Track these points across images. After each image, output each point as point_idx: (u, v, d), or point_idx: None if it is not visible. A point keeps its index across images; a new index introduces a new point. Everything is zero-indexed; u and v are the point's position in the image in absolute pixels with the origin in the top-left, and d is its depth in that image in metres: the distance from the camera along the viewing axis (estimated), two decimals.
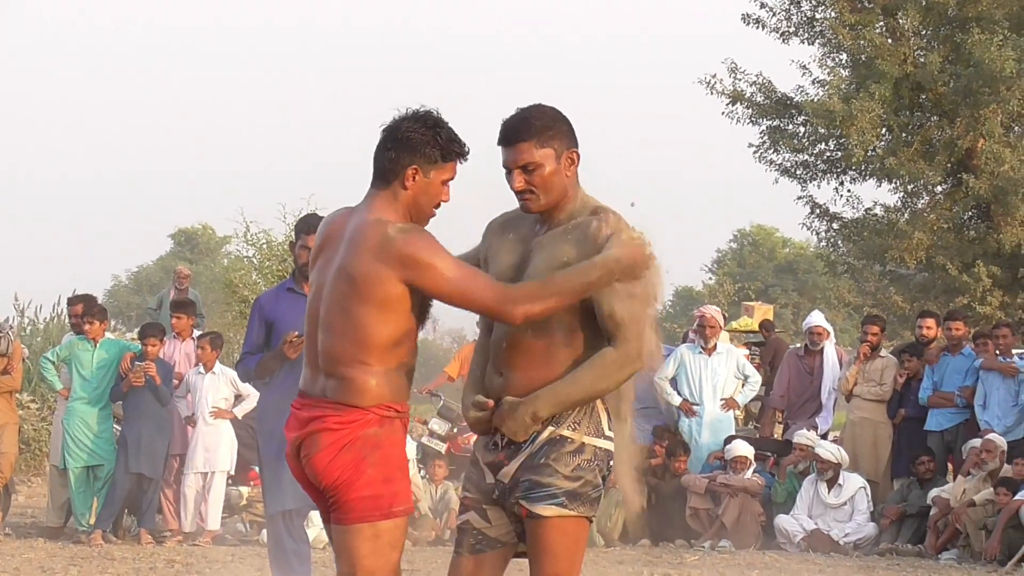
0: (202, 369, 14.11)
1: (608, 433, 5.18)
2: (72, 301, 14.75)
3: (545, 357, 5.12)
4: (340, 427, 5.09)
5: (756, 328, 21.03)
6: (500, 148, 5.18)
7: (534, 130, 5.11)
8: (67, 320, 15.56)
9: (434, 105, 5.24)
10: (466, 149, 5.19)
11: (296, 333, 8.54)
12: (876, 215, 25.88)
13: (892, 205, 25.85)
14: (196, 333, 15.02)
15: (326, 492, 5.12)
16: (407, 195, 5.13)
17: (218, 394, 14.00)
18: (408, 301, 5.07)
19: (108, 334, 14.50)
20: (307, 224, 8.91)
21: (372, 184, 5.18)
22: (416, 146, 5.10)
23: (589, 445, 5.13)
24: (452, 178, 5.21)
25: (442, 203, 5.23)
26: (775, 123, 25.77)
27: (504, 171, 5.22)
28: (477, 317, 16.57)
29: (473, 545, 5.24)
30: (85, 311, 14.04)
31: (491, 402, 5.16)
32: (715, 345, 15.15)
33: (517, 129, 5.12)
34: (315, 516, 11.44)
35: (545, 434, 5.11)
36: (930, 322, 15.09)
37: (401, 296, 5.05)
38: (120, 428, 14.09)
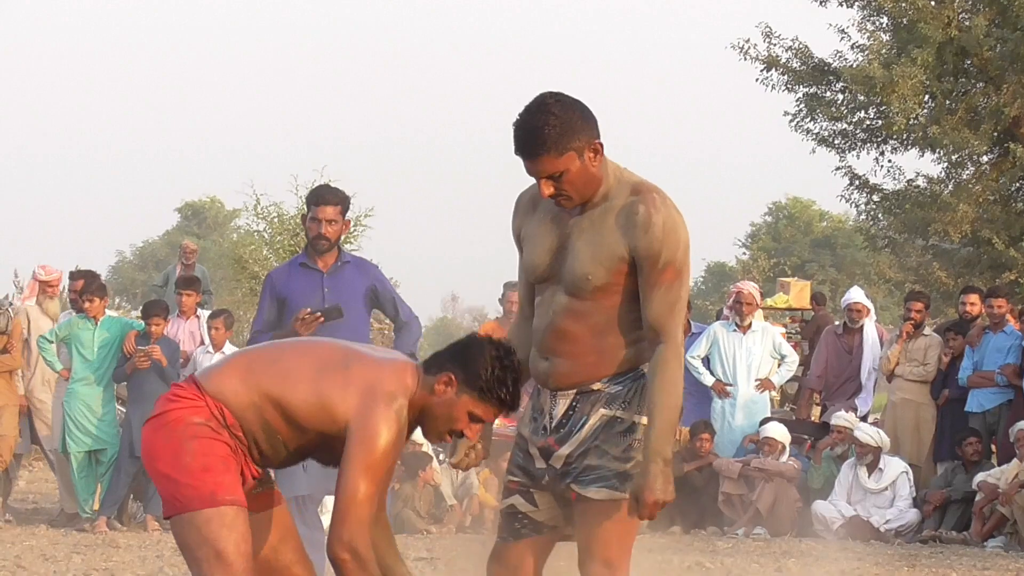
0: (210, 348, 13.78)
1: None
2: (73, 276, 14.37)
3: (590, 343, 5.05)
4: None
5: (793, 305, 20.81)
6: (519, 157, 5.01)
7: (550, 141, 4.91)
8: (67, 297, 15.16)
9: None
10: (512, 409, 5.06)
11: (308, 310, 8.43)
12: (918, 186, 25.72)
13: (935, 176, 25.75)
14: (202, 311, 14.69)
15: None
16: (431, 399, 5.02)
17: None
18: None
19: (111, 312, 14.19)
20: (318, 195, 8.79)
21: (426, 362, 5.08)
22: (470, 363, 5.01)
23: (639, 424, 5.05)
24: (480, 419, 5.06)
25: (457, 436, 5.12)
26: (812, 90, 25.58)
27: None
28: (499, 295, 15.83)
29: (518, 530, 5.20)
30: (84, 288, 13.68)
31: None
32: (750, 323, 14.93)
33: (532, 143, 4.93)
34: (328, 502, 11.11)
35: (595, 416, 5.06)
36: (974, 298, 14.92)
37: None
38: (124, 410, 13.76)
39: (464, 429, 5.07)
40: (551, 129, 4.90)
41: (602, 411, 5.06)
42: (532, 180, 5.09)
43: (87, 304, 13.52)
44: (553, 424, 5.11)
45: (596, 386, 5.07)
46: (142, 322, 13.75)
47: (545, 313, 5.11)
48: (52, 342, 13.68)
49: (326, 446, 5.02)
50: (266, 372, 5.00)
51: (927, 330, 14.90)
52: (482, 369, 4.98)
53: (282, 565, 5.21)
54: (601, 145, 4.99)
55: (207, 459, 4.93)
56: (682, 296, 5.00)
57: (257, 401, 4.97)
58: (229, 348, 13.88)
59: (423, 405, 5.02)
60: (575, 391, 5.08)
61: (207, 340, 14.06)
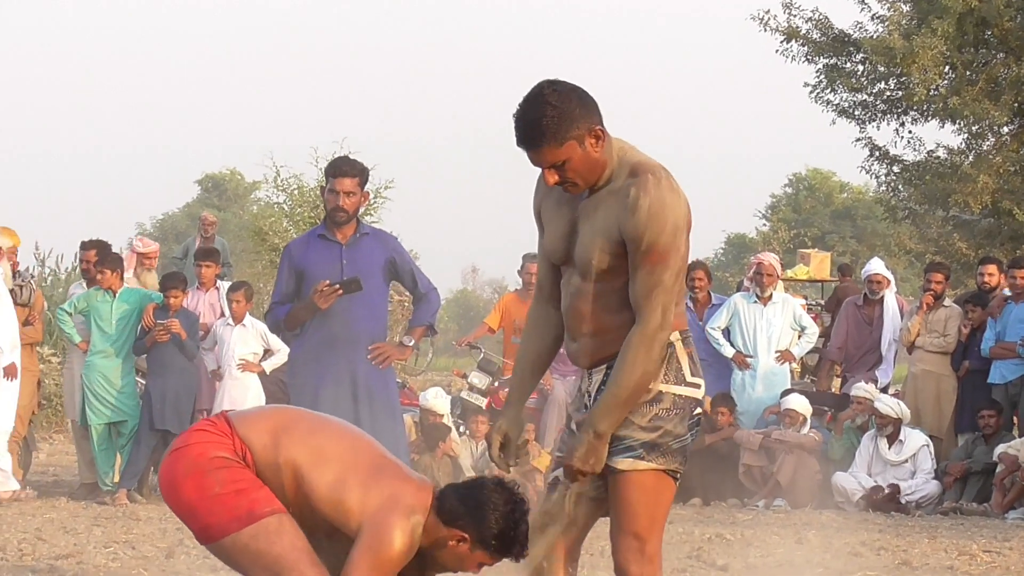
0: (231, 321, 13.73)
1: (691, 380, 5.12)
2: (85, 246, 14.25)
3: (609, 321, 5.07)
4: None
5: (814, 276, 20.77)
6: (521, 149, 5.04)
7: (548, 132, 4.93)
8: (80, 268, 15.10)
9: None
10: (523, 555, 5.09)
11: (327, 282, 8.31)
12: (939, 158, 25.60)
13: (956, 147, 25.61)
14: (221, 283, 14.61)
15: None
16: (441, 551, 5.07)
17: (247, 347, 13.62)
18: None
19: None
20: (336, 167, 8.94)
21: (441, 493, 5.12)
22: (483, 525, 5.07)
23: (668, 393, 5.07)
24: (490, 565, 5.16)
25: None
26: (832, 61, 25.46)
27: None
28: (518, 266, 15.83)
29: (557, 500, 5.18)
30: (98, 259, 13.61)
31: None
32: (771, 295, 14.86)
33: (532, 135, 4.96)
34: None
35: None
36: (992, 268, 14.84)
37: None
38: (144, 382, 13.71)
39: (472, 572, 5.17)
40: (549, 120, 4.91)
41: None
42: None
43: (99, 276, 13.47)
44: (591, 400, 5.13)
45: None
46: (160, 294, 13.69)
47: (566, 296, 5.17)
48: (71, 314, 13.64)
49: (331, 535, 5.02)
50: (300, 442, 5.01)
51: (947, 301, 14.83)
52: (494, 530, 5.05)
53: None
54: (602, 130, 5.01)
55: (237, 484, 4.94)
56: (664, 280, 4.96)
57: (281, 465, 4.98)
58: (248, 320, 13.83)
59: (433, 541, 5.05)
60: (606, 366, 5.10)
61: (227, 312, 14.00)
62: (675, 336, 5.08)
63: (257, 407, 5.22)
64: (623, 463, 5.02)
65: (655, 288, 4.95)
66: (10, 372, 12.91)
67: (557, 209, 5.19)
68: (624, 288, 5.03)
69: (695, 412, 5.13)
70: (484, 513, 5.05)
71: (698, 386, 5.13)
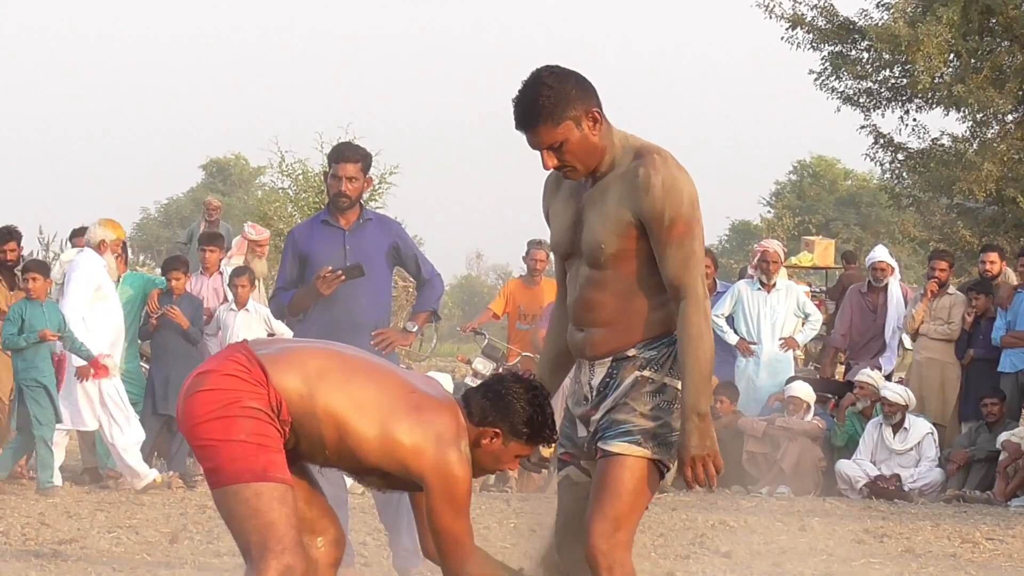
0: (234, 306, 13.71)
1: None
2: (79, 233, 14.23)
3: (617, 309, 5.09)
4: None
5: (818, 264, 20.74)
6: (519, 131, 5.09)
7: (545, 111, 4.98)
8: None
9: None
10: (554, 438, 5.21)
11: (330, 268, 8.33)
12: (943, 145, 25.52)
13: (960, 135, 25.53)
14: (225, 267, 14.59)
15: None
16: (478, 452, 5.16)
17: (250, 332, 13.57)
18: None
19: (136, 268, 14.10)
20: (339, 152, 8.79)
21: (464, 398, 5.21)
22: (512, 415, 5.13)
23: (671, 386, 5.09)
24: (527, 456, 5.27)
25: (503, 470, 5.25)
26: (837, 48, 25.37)
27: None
28: (523, 252, 15.76)
29: (574, 500, 5.23)
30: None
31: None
32: (775, 282, 14.84)
33: (529, 114, 5.01)
34: None
35: (630, 378, 5.09)
36: (993, 256, 14.89)
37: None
38: (147, 367, 13.70)
39: (511, 467, 5.29)
40: (545, 100, 4.96)
41: (636, 373, 5.08)
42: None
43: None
44: (593, 394, 5.14)
45: (631, 352, 5.09)
46: (163, 279, 13.69)
47: (574, 287, 5.17)
48: None
49: (370, 472, 5.13)
50: (338, 391, 5.02)
51: (951, 289, 14.82)
52: (523, 417, 5.12)
53: (311, 517, 5.23)
54: (600, 113, 5.04)
55: (262, 438, 4.94)
56: (695, 250, 5.00)
57: (319, 415, 4.99)
58: (252, 305, 13.80)
59: (471, 446, 5.14)
60: (611, 359, 5.11)
61: (231, 297, 14.00)
62: None
63: (285, 344, 5.18)
64: (618, 446, 5.03)
65: (689, 259, 4.98)
66: (97, 369, 12.56)
67: (564, 204, 5.21)
68: (632, 274, 5.04)
69: None
70: (510, 404, 5.11)
71: None
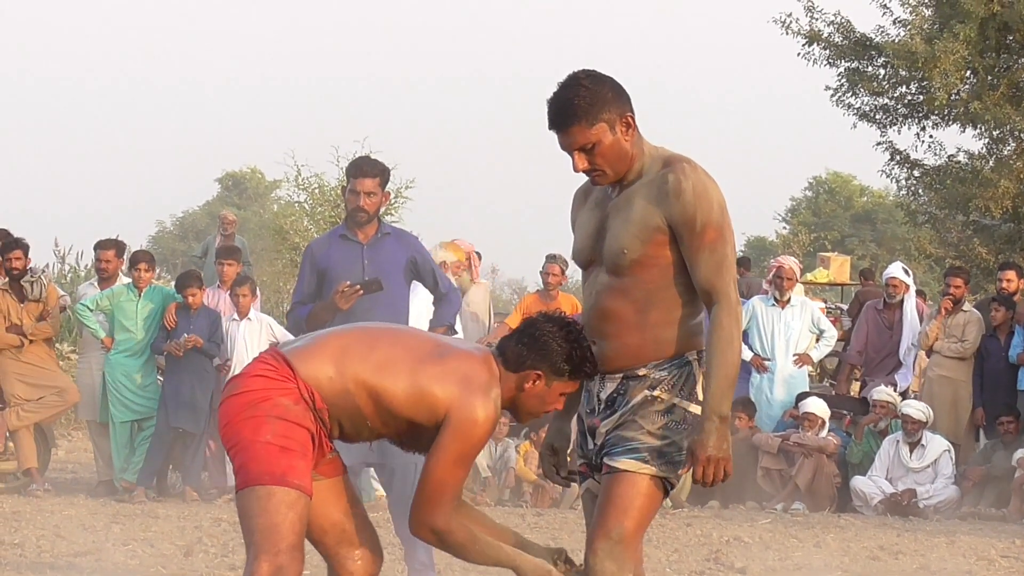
0: (236, 316, 13.72)
1: (701, 398, 5.07)
2: (103, 246, 14.25)
3: (633, 321, 5.06)
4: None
5: (834, 280, 20.71)
6: (553, 132, 5.05)
7: (581, 110, 4.98)
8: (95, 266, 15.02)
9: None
10: (596, 370, 5.14)
11: (348, 283, 8.34)
12: (959, 162, 25.46)
13: (976, 152, 25.45)
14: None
15: None
16: (522, 397, 5.16)
17: (254, 342, 13.58)
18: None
19: (153, 281, 14.13)
20: (357, 167, 8.77)
21: (499, 348, 5.19)
22: (550, 355, 5.11)
23: (680, 407, 5.07)
24: (573, 392, 5.22)
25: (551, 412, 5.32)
26: (854, 65, 25.32)
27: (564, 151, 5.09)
28: (540, 266, 15.71)
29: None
30: (136, 258, 13.69)
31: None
32: (789, 298, 14.84)
33: (564, 113, 5.00)
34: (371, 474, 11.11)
35: (639, 397, 5.06)
36: (1011, 274, 14.83)
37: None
38: (162, 379, 13.74)
39: (559, 407, 5.24)
40: (581, 100, 4.97)
41: (645, 392, 5.06)
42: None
43: (135, 274, 13.56)
44: (601, 406, 5.13)
45: (642, 371, 5.07)
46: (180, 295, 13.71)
47: (590, 295, 5.15)
48: (92, 310, 13.66)
49: (412, 433, 5.13)
50: (363, 360, 5.07)
51: (966, 306, 14.78)
52: (561, 355, 5.10)
53: (350, 530, 5.26)
54: (633, 118, 5.04)
55: (288, 441, 4.99)
56: (727, 254, 5.00)
57: (351, 388, 5.04)
58: (254, 314, 13.82)
59: (512, 393, 5.14)
60: (622, 375, 5.10)
61: (233, 307, 14.00)
62: (692, 355, 5.10)
63: (308, 337, 5.24)
64: (625, 463, 5.01)
65: (722, 263, 4.98)
66: None
67: (589, 213, 5.20)
68: (651, 284, 5.03)
69: None
70: (546, 343, 5.10)
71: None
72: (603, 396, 5.14)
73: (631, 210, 5.02)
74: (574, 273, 21.47)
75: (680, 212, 4.95)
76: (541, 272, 15.27)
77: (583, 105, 4.96)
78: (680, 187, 4.96)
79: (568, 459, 5.38)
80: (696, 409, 5.07)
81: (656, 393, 5.05)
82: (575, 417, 5.35)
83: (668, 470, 5.03)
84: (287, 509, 4.95)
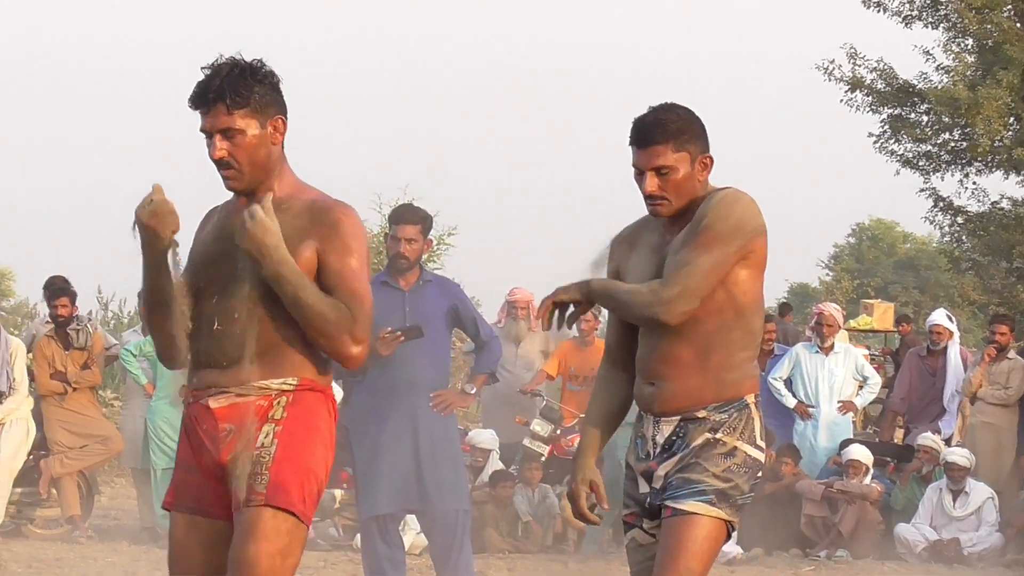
0: None
1: (759, 443, 5.11)
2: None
3: (695, 363, 5.06)
4: None
5: (876, 327, 20.65)
6: (632, 148, 5.08)
7: (670, 133, 5.02)
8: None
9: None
10: None
11: (390, 329, 8.33)
12: (1003, 209, 25.45)
13: (1020, 198, 25.43)
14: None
15: None
16: None
17: None
18: None
19: None
20: (399, 215, 8.96)
21: None
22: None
23: (741, 451, 5.07)
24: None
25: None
26: (896, 111, 25.38)
27: (634, 171, 5.10)
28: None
29: (641, 562, 5.19)
30: None
31: None
32: (832, 344, 14.77)
33: (652, 131, 5.03)
34: (411, 520, 11.11)
35: (700, 439, 5.05)
36: None
37: None
38: None
39: None
40: (673, 124, 5.03)
41: (706, 435, 5.05)
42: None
43: None
44: (657, 450, 5.12)
45: (700, 414, 5.06)
46: None
47: (649, 338, 5.11)
48: (135, 356, 13.71)
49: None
50: None
51: (1011, 353, 14.69)
52: None
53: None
54: (712, 160, 5.07)
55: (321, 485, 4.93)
56: (702, 264, 4.92)
57: None
58: None
59: None
60: (679, 418, 5.08)
61: None
62: (751, 398, 5.09)
63: None
64: (692, 505, 4.99)
65: (688, 266, 4.94)
66: None
67: (646, 258, 5.15)
68: (713, 326, 5.01)
69: (757, 475, 5.12)
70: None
71: (763, 450, 5.14)
72: (659, 440, 5.11)
73: (684, 242, 5.02)
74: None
75: (700, 212, 4.99)
76: (578, 321, 15.21)
77: (673, 129, 5.01)
78: (716, 195, 5.02)
79: (601, 494, 5.30)
80: (755, 453, 5.08)
81: (719, 436, 5.04)
82: (622, 463, 5.32)
83: (731, 512, 5.02)
84: (298, 546, 4.84)
